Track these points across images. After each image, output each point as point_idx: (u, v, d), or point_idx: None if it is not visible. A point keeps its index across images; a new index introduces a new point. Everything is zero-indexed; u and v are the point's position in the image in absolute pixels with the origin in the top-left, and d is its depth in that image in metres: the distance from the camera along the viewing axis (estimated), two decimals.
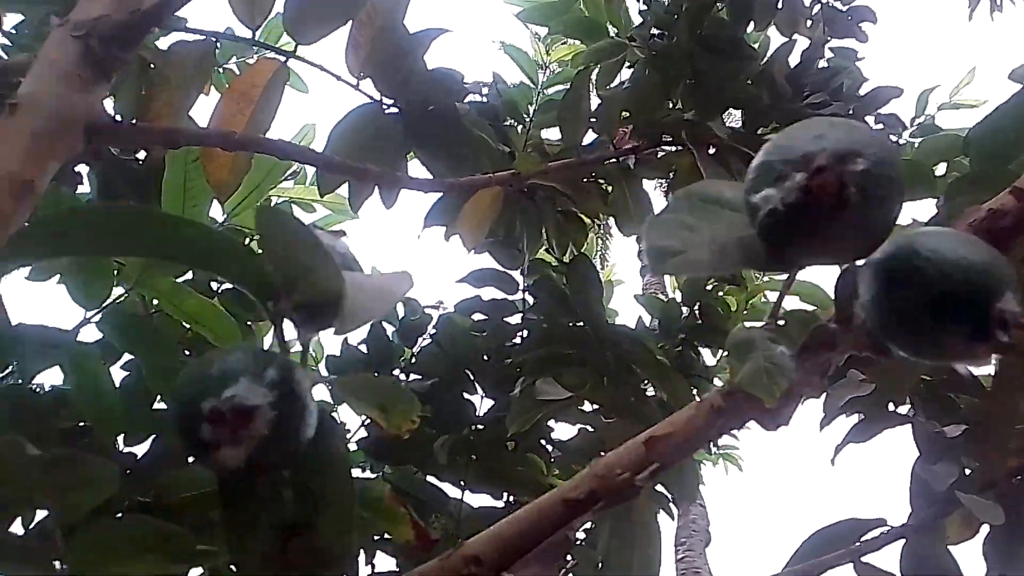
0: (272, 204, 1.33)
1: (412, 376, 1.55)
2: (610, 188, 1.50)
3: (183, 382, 0.31)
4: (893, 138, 1.82)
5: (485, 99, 1.57)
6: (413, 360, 1.57)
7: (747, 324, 0.44)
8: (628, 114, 1.43)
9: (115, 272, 0.98)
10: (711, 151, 1.48)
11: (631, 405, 1.16)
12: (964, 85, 1.87)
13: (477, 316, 1.62)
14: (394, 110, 1.06)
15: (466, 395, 1.48)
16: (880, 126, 1.78)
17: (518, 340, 1.57)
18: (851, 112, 1.68)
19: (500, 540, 0.39)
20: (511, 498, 1.42)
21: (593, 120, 1.29)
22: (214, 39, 0.82)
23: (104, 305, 1.00)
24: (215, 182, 0.87)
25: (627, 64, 1.67)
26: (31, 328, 0.87)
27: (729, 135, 1.41)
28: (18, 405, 0.80)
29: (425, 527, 0.39)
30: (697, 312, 1.97)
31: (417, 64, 1.03)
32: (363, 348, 1.56)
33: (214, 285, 1.25)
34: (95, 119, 0.62)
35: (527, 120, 1.59)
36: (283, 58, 0.87)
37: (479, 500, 1.43)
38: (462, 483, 1.39)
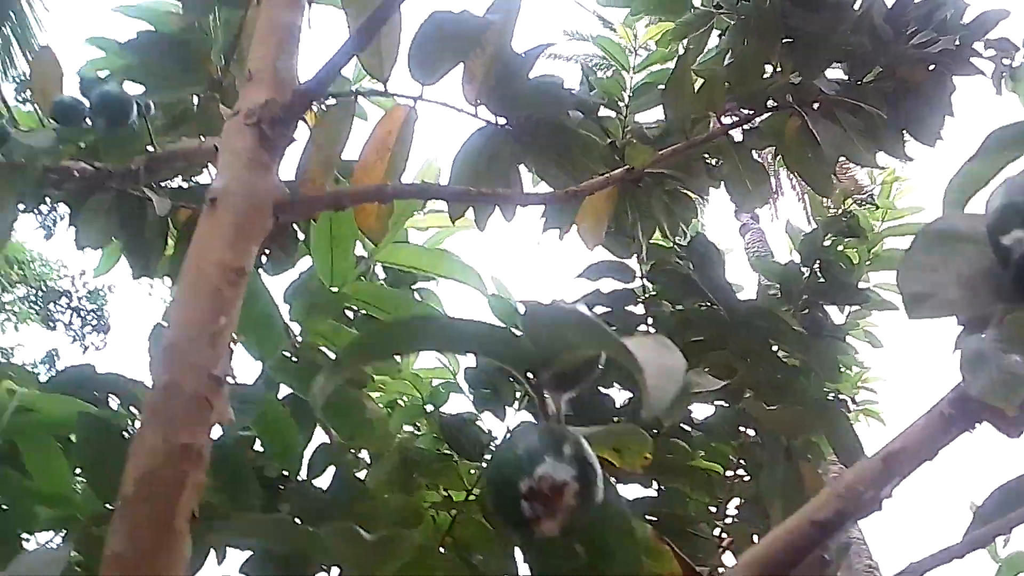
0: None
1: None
2: (717, 162, 1.49)
3: (495, 465, 0.35)
4: (1007, 62, 1.72)
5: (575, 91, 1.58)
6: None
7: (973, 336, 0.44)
8: (728, 85, 1.41)
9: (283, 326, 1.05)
10: (817, 108, 1.45)
11: (778, 381, 1.16)
12: None
13: (599, 309, 1.64)
14: (505, 126, 1.10)
15: (602, 389, 1.50)
16: (991, 51, 1.70)
17: (643, 328, 1.59)
18: (958, 44, 1.60)
19: (758, 567, 0.41)
20: (662, 486, 1.44)
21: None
22: (354, 97, 0.87)
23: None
24: (366, 229, 0.93)
25: (716, 32, 1.65)
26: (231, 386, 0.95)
27: (836, 90, 1.38)
28: (229, 459, 0.87)
29: (691, 563, 0.42)
30: (818, 270, 1.93)
31: (525, 81, 1.06)
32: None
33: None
34: (279, 198, 0.68)
35: (623, 107, 1.60)
36: (412, 102, 0.91)
37: (629, 491, 1.46)
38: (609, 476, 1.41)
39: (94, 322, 11.42)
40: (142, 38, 1.59)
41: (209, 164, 1.11)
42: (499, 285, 1.72)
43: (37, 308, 11.23)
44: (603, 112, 1.59)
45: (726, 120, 1.43)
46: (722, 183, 1.33)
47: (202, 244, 0.61)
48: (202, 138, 1.12)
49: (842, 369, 1.73)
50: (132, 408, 1.45)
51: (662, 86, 1.56)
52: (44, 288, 11.06)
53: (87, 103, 1.14)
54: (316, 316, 1.04)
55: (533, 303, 1.69)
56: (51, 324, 11.32)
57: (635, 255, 1.63)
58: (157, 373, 0.57)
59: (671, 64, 1.57)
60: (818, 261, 1.93)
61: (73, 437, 1.25)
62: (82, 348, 11.54)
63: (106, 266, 1.74)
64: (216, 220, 0.63)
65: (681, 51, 1.54)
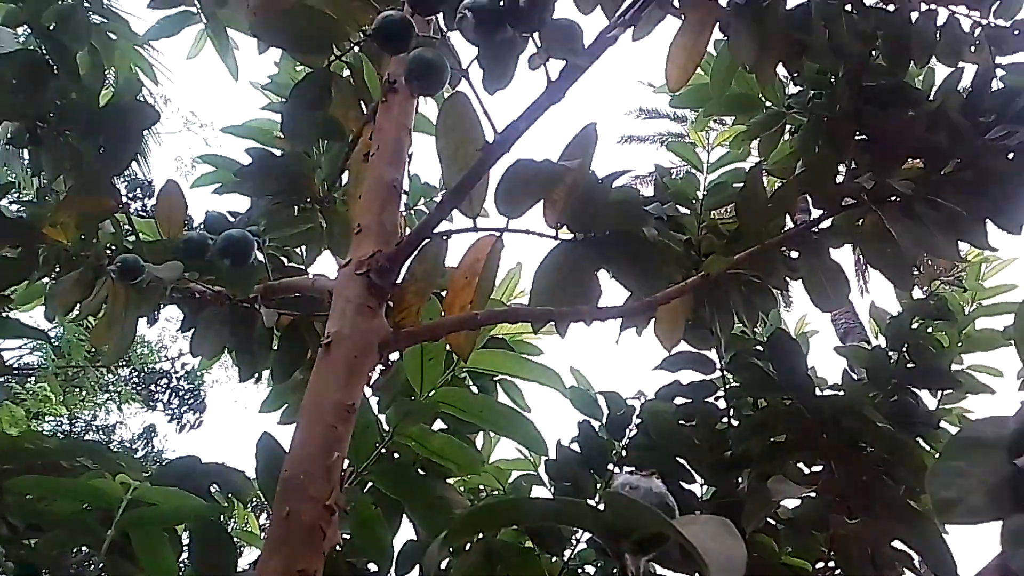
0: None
1: (626, 469, 1.62)
2: (795, 254, 1.51)
3: None
4: None
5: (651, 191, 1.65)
6: (624, 453, 1.63)
7: None
8: (801, 185, 1.44)
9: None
10: (895, 203, 1.46)
11: (864, 484, 1.15)
12: None
13: (679, 400, 1.66)
14: (584, 241, 1.16)
15: (684, 484, 1.51)
16: None
17: (725, 421, 1.60)
18: None
19: None
20: None
21: (770, 205, 1.33)
22: (445, 238, 0.96)
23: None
24: (456, 348, 1.01)
25: (789, 130, 1.69)
26: None
27: (911, 189, 1.39)
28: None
29: None
30: (907, 354, 1.90)
31: (603, 201, 1.12)
32: (575, 447, 1.65)
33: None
34: (384, 337, 0.76)
35: (698, 205, 1.65)
36: (497, 232, 0.99)
37: None
38: (697, 574, 1.41)
39: (190, 401, 12.11)
40: (254, 164, 1.76)
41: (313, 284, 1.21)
42: (579, 376, 1.77)
43: (138, 388, 11.93)
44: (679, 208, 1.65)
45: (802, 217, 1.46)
46: (800, 282, 1.35)
47: (319, 384, 0.70)
48: (311, 274, 1.23)
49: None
50: (232, 496, 1.55)
51: (737, 184, 1.62)
52: (145, 369, 11.80)
53: (211, 239, 1.28)
54: (408, 421, 1.11)
55: (612, 394, 1.73)
56: (151, 404, 12.04)
57: (714, 347, 1.65)
58: (278, 503, 0.64)
59: (743, 164, 1.62)
60: (906, 345, 1.90)
61: (179, 528, 1.35)
62: (178, 427, 12.22)
63: (209, 363, 1.89)
64: (331, 362, 0.71)
65: (754, 150, 1.59)
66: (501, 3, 0.76)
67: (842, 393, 1.78)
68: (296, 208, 1.74)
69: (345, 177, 1.55)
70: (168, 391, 12.11)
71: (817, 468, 1.28)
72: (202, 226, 1.40)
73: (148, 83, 2.46)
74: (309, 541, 0.65)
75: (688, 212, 1.64)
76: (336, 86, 1.37)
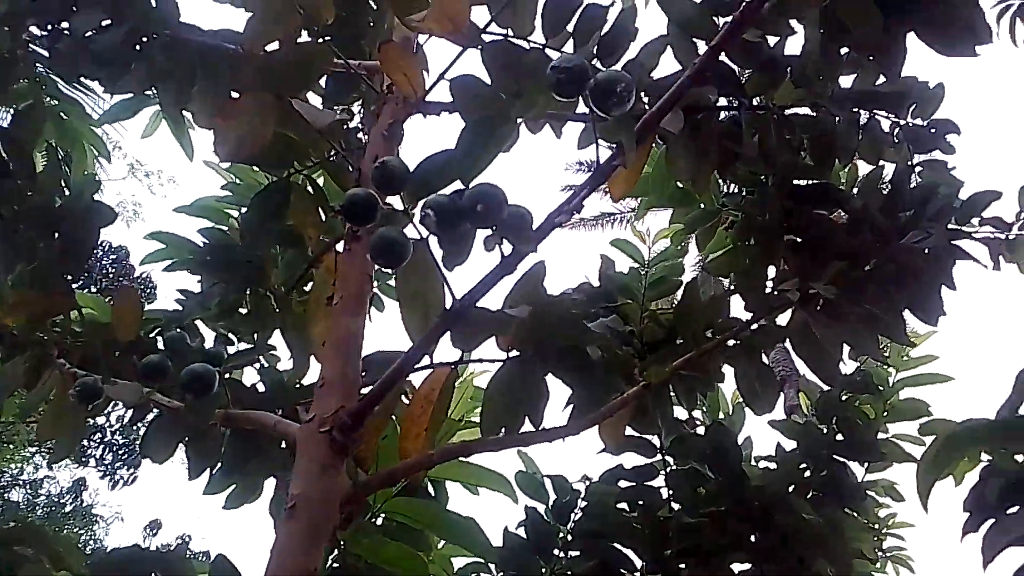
0: None
1: (571, 553, 1.67)
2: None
3: None
4: (1001, 236, 1.84)
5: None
6: (570, 538, 1.69)
7: None
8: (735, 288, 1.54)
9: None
10: (820, 305, 1.57)
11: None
12: None
13: (622, 483, 1.73)
14: (535, 356, 1.23)
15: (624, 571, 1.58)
16: (988, 228, 1.81)
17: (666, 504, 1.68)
18: (953, 228, 1.72)
19: None
20: None
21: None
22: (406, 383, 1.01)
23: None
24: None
25: (724, 226, 1.80)
26: None
27: (835, 293, 1.50)
28: None
29: None
30: (836, 427, 2.01)
31: (553, 324, 1.19)
32: (522, 532, 1.70)
33: None
34: (346, 493, 0.81)
35: (640, 296, 1.74)
36: (452, 365, 1.05)
37: None
38: None
39: (125, 456, 11.71)
40: (208, 248, 1.79)
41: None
42: (526, 459, 1.83)
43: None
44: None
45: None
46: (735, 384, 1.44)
47: (284, 550, 0.74)
48: (277, 414, 1.25)
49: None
50: None
51: (676, 278, 1.72)
52: None
53: (170, 361, 1.30)
54: (360, 534, 1.16)
55: (559, 479, 1.79)
56: (83, 459, 11.60)
57: (655, 433, 1.73)
58: None
59: (681, 259, 1.72)
60: (835, 418, 2.01)
61: None
62: (111, 483, 11.82)
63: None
64: (296, 527, 0.75)
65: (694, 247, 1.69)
66: (459, 203, 0.83)
67: (774, 467, 1.88)
68: (248, 295, 1.77)
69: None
70: (101, 445, 11.69)
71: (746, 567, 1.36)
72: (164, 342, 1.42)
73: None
74: None
75: (631, 302, 1.73)
76: (296, 195, 1.42)
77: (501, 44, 1.11)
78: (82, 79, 2.10)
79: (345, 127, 1.37)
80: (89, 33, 1.65)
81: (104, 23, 1.65)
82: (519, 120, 1.05)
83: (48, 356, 1.59)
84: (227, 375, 1.54)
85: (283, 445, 1.32)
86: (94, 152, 2.18)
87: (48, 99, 1.96)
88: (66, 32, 1.71)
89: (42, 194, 1.53)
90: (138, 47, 1.69)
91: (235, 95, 1.23)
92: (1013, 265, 1.92)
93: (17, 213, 1.52)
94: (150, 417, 1.54)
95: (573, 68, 0.85)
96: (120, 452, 11.71)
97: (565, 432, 1.16)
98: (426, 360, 1.04)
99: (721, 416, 2.10)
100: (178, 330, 1.43)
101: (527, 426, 1.25)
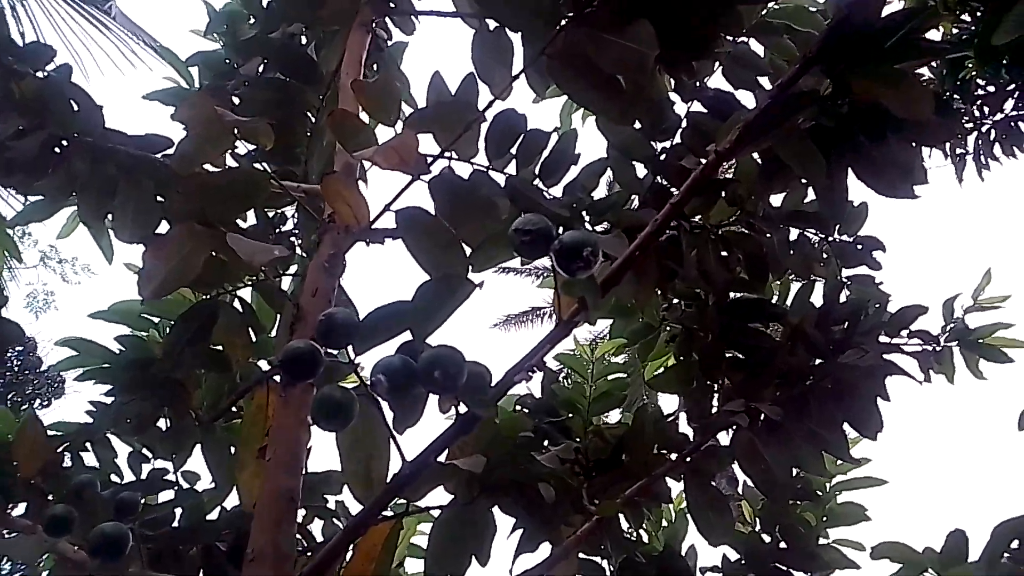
0: None
1: None
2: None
3: None
4: (929, 348, 1.90)
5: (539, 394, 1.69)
6: None
7: None
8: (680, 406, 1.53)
9: None
10: (764, 423, 1.57)
11: None
12: (984, 286, 1.98)
13: None
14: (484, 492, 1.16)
15: None
16: (917, 341, 1.87)
17: None
18: (884, 344, 1.77)
19: None
20: None
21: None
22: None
23: None
24: None
25: (665, 338, 1.80)
26: None
27: (780, 413, 1.50)
28: None
29: None
30: (779, 535, 1.99)
31: (502, 454, 1.14)
32: None
33: None
34: None
35: (584, 410, 1.70)
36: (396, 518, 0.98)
37: None
38: None
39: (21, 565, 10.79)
40: (125, 358, 1.67)
41: None
42: None
43: None
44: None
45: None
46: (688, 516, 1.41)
47: None
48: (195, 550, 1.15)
49: None
50: None
51: (619, 392, 1.69)
52: None
53: (74, 514, 1.18)
54: None
55: None
56: None
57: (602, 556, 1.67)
58: None
59: (624, 374, 1.70)
60: (778, 526, 2.00)
61: None
62: None
63: None
64: None
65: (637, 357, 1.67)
66: (414, 367, 0.79)
67: None
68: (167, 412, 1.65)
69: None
70: None
71: None
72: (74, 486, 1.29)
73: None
74: None
75: (575, 416, 1.69)
76: (224, 314, 1.34)
77: (448, 176, 1.09)
78: None
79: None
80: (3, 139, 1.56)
81: (21, 129, 1.57)
82: (479, 274, 1.03)
83: None
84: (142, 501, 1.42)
85: None
86: (4, 254, 2.04)
87: None
88: None
89: None
90: (57, 149, 1.61)
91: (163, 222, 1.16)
92: (941, 376, 2.01)
93: None
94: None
95: (538, 230, 0.83)
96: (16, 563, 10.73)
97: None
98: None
99: (665, 524, 2.07)
100: (86, 476, 1.30)
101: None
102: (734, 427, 1.54)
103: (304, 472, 0.98)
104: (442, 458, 0.91)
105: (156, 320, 1.93)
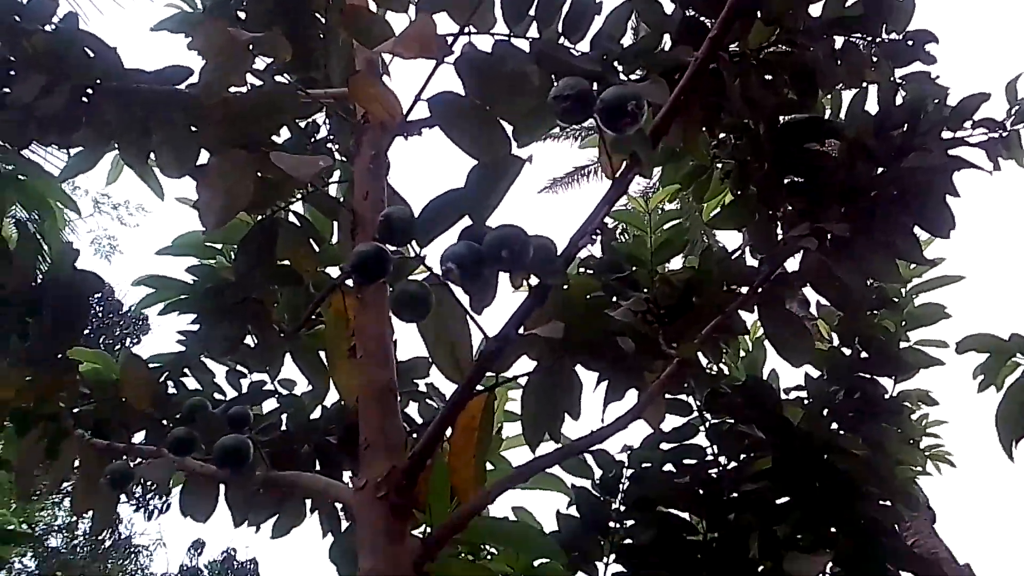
0: None
1: (627, 523, 1.68)
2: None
3: None
4: (996, 136, 1.81)
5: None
6: (623, 508, 1.70)
7: None
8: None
9: None
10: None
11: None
12: None
13: (664, 446, 1.74)
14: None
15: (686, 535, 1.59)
16: (982, 130, 1.78)
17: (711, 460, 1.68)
18: (947, 138, 1.69)
19: None
20: None
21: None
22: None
23: None
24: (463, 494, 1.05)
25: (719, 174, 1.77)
26: None
27: (847, 229, 1.47)
28: None
29: None
30: (859, 346, 2.01)
31: (576, 316, 1.17)
32: (574, 512, 1.70)
33: None
34: (416, 552, 0.80)
35: (648, 261, 1.71)
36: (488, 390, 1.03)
37: None
38: None
39: (154, 487, 11.79)
40: (201, 286, 1.74)
41: None
42: (564, 439, 1.83)
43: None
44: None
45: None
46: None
47: None
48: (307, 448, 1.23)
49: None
50: None
51: (682, 236, 1.69)
52: None
53: (196, 435, 1.27)
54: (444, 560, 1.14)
55: (601, 453, 1.79)
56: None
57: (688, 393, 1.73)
58: None
59: (682, 220, 1.69)
60: (857, 337, 2.01)
61: None
62: (146, 515, 11.94)
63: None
64: None
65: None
66: (481, 251, 0.79)
67: (806, 400, 1.88)
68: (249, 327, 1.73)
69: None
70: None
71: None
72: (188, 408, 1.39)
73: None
74: None
75: (639, 268, 1.71)
76: (283, 231, 1.37)
77: (472, 54, 1.05)
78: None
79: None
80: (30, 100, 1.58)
81: (44, 86, 1.57)
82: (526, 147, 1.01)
83: (63, 429, 1.56)
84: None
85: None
86: (61, 208, 2.11)
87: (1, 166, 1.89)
88: (6, 102, 1.63)
89: (20, 272, 1.47)
90: (85, 99, 1.62)
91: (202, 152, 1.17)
92: (1011, 162, 1.92)
93: (2, 294, 1.46)
94: None
95: (577, 94, 0.81)
96: (149, 484, 11.77)
97: (616, 428, 1.15)
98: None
99: (742, 355, 2.12)
100: (195, 399, 1.40)
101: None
102: (802, 252, 1.53)
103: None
104: (522, 330, 0.94)
105: (220, 247, 2.00)
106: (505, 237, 0.80)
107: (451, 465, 1.02)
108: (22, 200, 1.87)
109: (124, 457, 1.40)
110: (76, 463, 1.57)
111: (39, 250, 1.56)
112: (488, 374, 1.01)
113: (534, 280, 0.86)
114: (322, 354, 1.53)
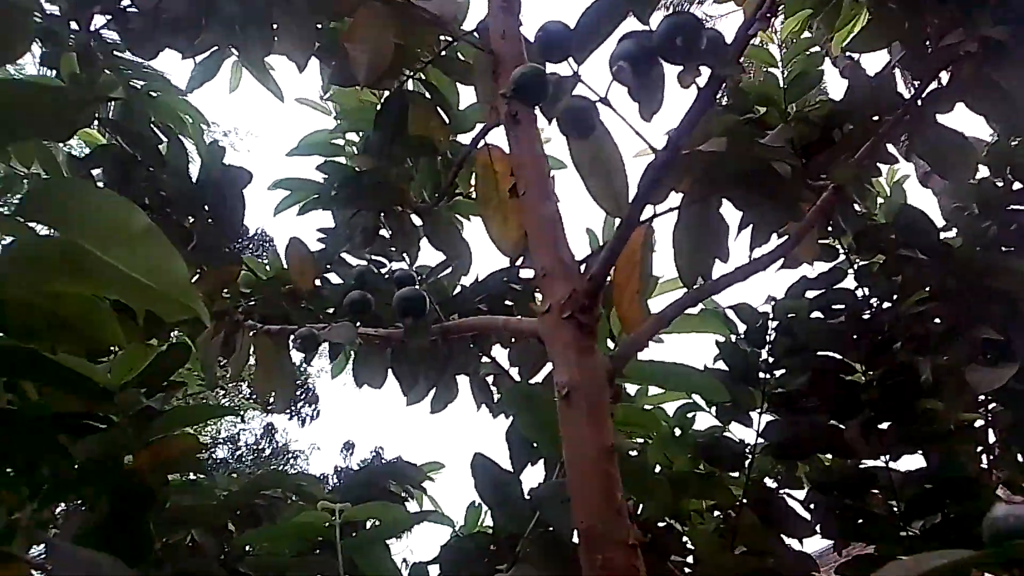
0: None
1: (777, 373, 1.66)
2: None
3: None
4: None
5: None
6: (771, 359, 1.68)
7: None
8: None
9: None
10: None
11: None
12: None
13: (810, 293, 1.69)
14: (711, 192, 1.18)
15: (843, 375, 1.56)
16: None
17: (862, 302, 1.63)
18: None
19: None
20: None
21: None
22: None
23: None
24: (628, 322, 1.06)
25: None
26: None
27: (1007, 32, 1.35)
28: None
29: None
30: (1011, 176, 1.87)
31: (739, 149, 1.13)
32: (722, 366, 1.70)
33: None
34: (609, 367, 0.82)
35: (780, 100, 1.63)
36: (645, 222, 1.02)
37: None
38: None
39: (304, 395, 12.66)
40: (334, 181, 1.79)
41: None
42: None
43: (252, 396, 12.51)
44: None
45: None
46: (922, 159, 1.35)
47: (574, 435, 0.76)
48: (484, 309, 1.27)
49: None
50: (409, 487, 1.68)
51: (816, 68, 1.59)
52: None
53: (369, 297, 1.33)
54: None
55: (742, 306, 1.76)
56: (268, 408, 12.58)
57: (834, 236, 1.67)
58: (589, 553, 0.72)
59: (815, 49, 1.59)
60: (1008, 167, 1.87)
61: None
62: (300, 421, 12.85)
63: (338, 371, 2.01)
64: (576, 412, 0.77)
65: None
66: (650, 44, 0.76)
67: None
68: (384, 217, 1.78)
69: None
70: None
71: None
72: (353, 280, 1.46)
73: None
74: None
75: (769, 108, 1.63)
76: (412, 102, 1.38)
77: None
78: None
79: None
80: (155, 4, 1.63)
81: None
82: None
83: (236, 323, 1.67)
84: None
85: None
86: (191, 119, 2.20)
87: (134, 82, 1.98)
88: (133, 11, 1.69)
89: (176, 175, 1.56)
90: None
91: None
92: None
93: (162, 199, 1.56)
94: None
95: None
96: (299, 393, 12.68)
97: (773, 257, 1.12)
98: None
99: (881, 201, 2.02)
100: (365, 263, 1.46)
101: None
102: (953, 66, 1.41)
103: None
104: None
105: (341, 142, 2.05)
106: (679, 24, 0.77)
107: (617, 299, 1.04)
108: (156, 114, 1.96)
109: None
110: (252, 351, 1.69)
111: (187, 154, 1.64)
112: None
113: (702, 82, 0.82)
114: (464, 222, 1.56)
